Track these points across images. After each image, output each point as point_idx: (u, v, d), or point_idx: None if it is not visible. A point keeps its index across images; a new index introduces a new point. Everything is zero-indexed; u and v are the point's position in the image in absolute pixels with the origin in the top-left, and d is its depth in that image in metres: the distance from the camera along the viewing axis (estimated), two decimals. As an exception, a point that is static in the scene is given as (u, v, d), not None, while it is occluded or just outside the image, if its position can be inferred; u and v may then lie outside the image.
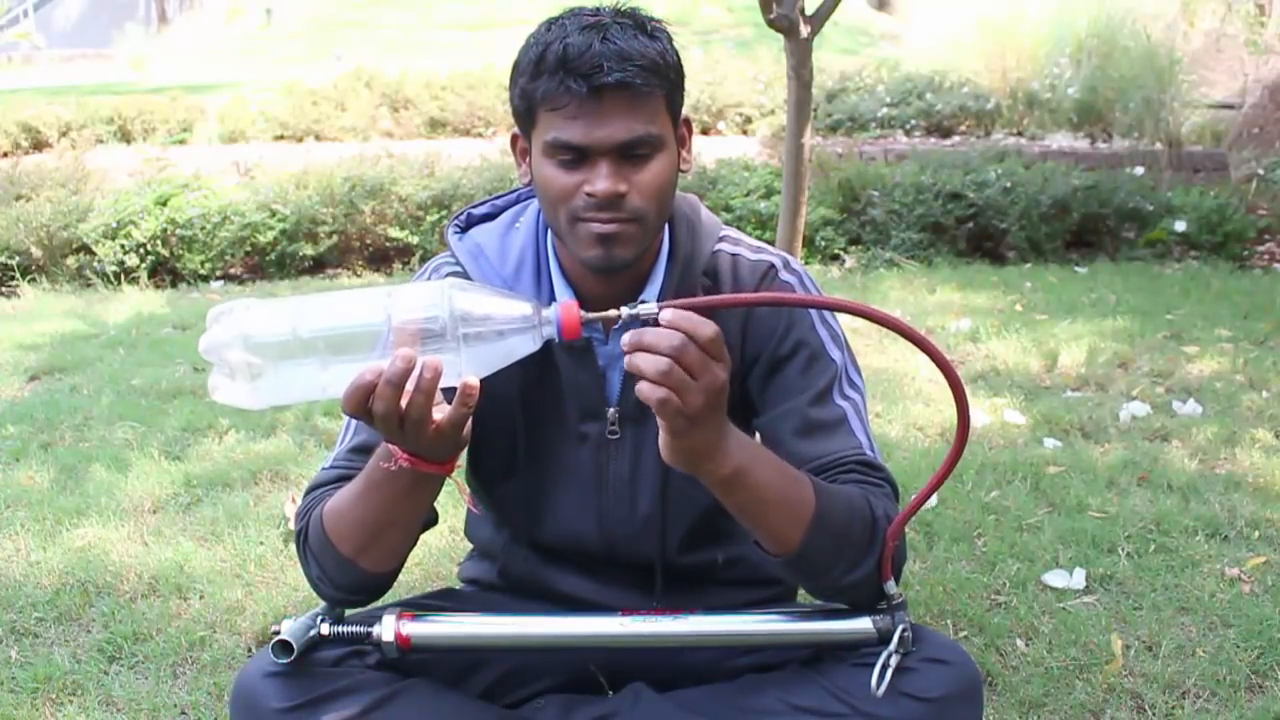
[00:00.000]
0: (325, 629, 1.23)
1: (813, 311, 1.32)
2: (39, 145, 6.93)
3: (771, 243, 3.36)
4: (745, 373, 1.32)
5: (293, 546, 1.28)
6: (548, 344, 1.08)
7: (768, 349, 1.30)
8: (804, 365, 1.29)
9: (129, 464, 2.75)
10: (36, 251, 5.21)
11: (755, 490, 1.10)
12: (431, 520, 1.30)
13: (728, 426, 1.08)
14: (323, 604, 1.28)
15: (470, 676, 1.35)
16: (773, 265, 1.34)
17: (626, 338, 1.00)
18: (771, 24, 3.32)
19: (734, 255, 1.35)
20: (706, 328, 0.99)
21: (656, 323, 1.00)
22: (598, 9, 1.20)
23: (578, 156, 1.17)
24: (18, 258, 5.22)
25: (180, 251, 5.22)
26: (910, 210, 5.20)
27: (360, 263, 5.41)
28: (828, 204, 5.30)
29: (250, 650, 1.89)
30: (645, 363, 0.98)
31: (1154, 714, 1.69)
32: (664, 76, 1.18)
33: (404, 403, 1.02)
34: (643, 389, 0.99)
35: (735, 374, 1.32)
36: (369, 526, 1.18)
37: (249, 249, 5.28)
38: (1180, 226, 5.22)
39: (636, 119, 1.16)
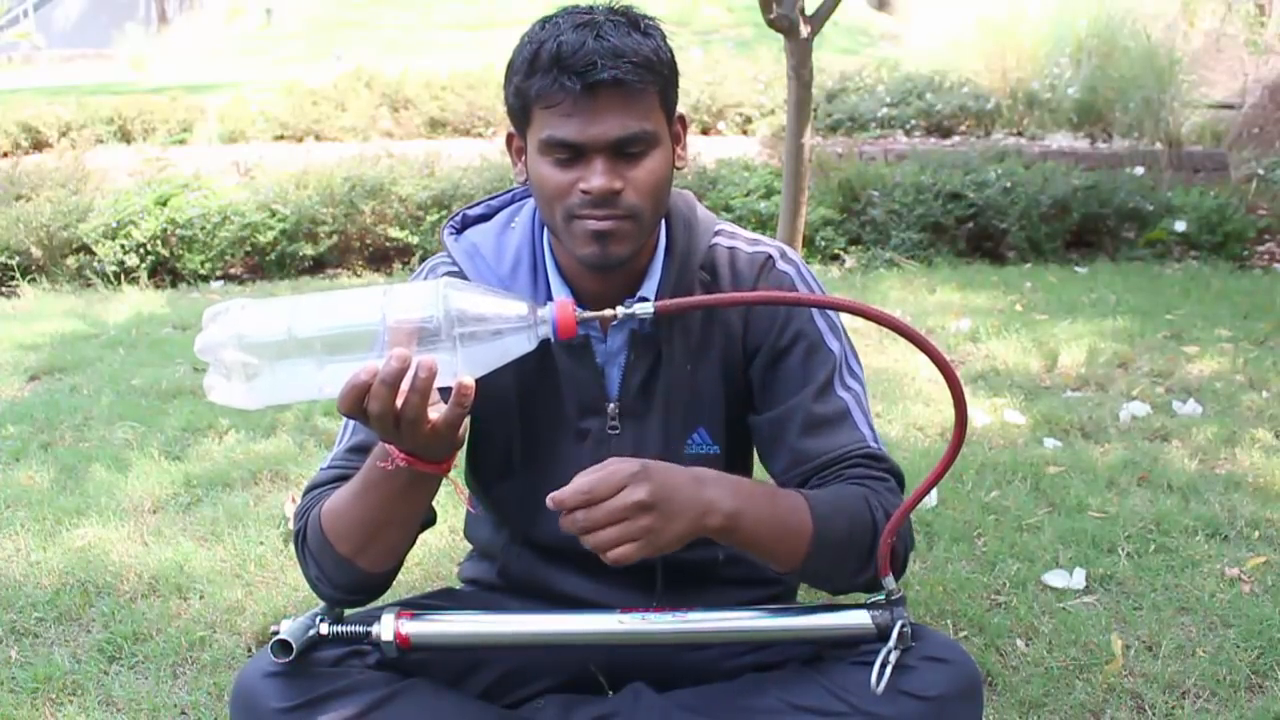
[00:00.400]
0: (324, 629, 1.23)
1: None
2: (39, 145, 6.93)
3: (771, 242, 3.35)
4: (747, 363, 1.33)
5: (292, 546, 1.28)
6: (545, 341, 1.08)
7: (768, 340, 1.31)
8: (804, 356, 1.30)
9: (129, 464, 2.75)
10: (36, 251, 5.21)
11: (751, 531, 1.14)
12: (430, 520, 1.30)
13: (702, 486, 1.11)
14: (322, 604, 1.27)
15: (470, 676, 1.35)
16: (770, 256, 1.34)
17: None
18: (771, 24, 3.31)
19: (731, 249, 1.35)
20: (576, 495, 1.05)
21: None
22: (591, 7, 1.20)
23: (573, 154, 1.17)
24: (18, 258, 5.22)
25: (180, 251, 5.22)
26: (910, 210, 5.20)
27: (360, 263, 5.41)
28: (828, 204, 5.29)
29: (250, 650, 1.89)
30: (591, 544, 1.07)
31: (1154, 714, 1.69)
32: (657, 73, 1.18)
33: (399, 402, 1.02)
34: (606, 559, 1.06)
35: (738, 365, 1.33)
36: (367, 526, 1.18)
37: (249, 249, 5.28)
38: (1180, 226, 5.22)
39: (630, 116, 1.16)
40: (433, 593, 1.54)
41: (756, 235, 1.39)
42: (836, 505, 1.19)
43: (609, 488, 1.05)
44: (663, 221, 1.31)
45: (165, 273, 5.28)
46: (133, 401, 3.28)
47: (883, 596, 1.21)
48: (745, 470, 1.43)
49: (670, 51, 1.21)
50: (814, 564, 1.18)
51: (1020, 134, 6.70)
